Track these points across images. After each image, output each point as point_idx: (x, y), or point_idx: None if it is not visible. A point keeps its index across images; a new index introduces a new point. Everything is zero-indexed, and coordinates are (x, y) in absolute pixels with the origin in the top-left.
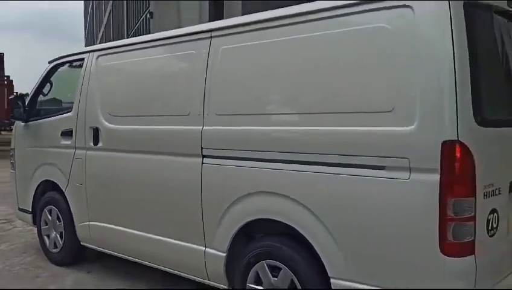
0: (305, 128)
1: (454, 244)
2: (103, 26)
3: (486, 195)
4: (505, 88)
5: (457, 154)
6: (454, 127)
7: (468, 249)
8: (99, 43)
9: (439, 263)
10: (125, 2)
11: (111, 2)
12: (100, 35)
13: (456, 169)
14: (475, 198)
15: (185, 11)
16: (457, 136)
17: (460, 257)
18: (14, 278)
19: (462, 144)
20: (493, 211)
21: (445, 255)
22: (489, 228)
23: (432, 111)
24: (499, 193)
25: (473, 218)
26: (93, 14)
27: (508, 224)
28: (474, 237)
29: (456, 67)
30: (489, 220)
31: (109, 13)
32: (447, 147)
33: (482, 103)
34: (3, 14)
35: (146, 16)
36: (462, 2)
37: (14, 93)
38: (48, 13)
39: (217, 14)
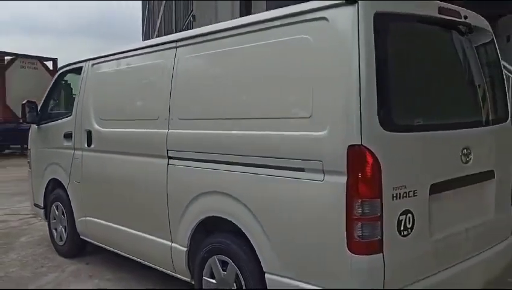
0: (239, 133)
1: (361, 243)
2: (156, 29)
3: (397, 196)
4: (420, 94)
5: (361, 158)
6: (359, 132)
7: (374, 247)
8: None
9: (347, 260)
10: (174, 5)
11: (163, 6)
12: (154, 38)
13: (361, 172)
14: (381, 199)
15: (221, 12)
16: (361, 141)
17: (366, 255)
18: (22, 266)
19: (366, 148)
20: (406, 212)
21: (352, 253)
22: (402, 228)
23: (341, 117)
24: (414, 195)
25: (380, 218)
26: (148, 18)
27: (429, 225)
28: (382, 236)
29: (361, 75)
30: (401, 220)
31: (161, 16)
32: (352, 151)
33: (390, 109)
34: (70, 19)
35: (190, 18)
36: (373, 12)
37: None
38: (110, 17)
39: (246, 14)
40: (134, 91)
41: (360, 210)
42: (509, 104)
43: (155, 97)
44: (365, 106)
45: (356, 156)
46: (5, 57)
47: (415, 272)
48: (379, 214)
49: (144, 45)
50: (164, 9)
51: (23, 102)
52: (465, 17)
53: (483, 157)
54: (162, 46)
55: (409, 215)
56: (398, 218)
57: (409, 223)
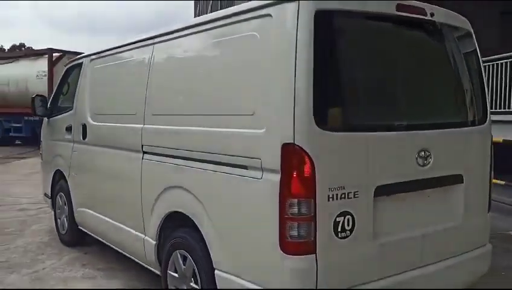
0: (194, 129)
1: (292, 243)
2: None
3: (333, 197)
4: (365, 94)
5: (294, 157)
6: (292, 131)
7: (307, 248)
8: None
9: (279, 260)
10: (219, 5)
11: (210, 5)
12: None
13: (293, 170)
14: (315, 199)
15: None
16: (294, 140)
17: (298, 256)
18: (24, 253)
19: (299, 147)
20: (344, 213)
21: (284, 253)
22: (339, 230)
23: (277, 115)
24: (355, 197)
25: (313, 218)
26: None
27: (374, 228)
28: (315, 237)
29: (296, 73)
30: (339, 222)
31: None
32: (286, 149)
33: (328, 109)
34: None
35: None
36: (315, 9)
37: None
38: (167, 17)
39: None
40: (120, 86)
41: (292, 210)
42: (481, 107)
43: (135, 93)
44: (300, 105)
45: (289, 154)
46: (54, 54)
47: (354, 276)
48: (312, 215)
49: (131, 41)
50: (211, 9)
51: (33, 96)
52: (432, 15)
53: (447, 161)
54: (144, 42)
55: (348, 217)
56: (335, 219)
57: (348, 225)
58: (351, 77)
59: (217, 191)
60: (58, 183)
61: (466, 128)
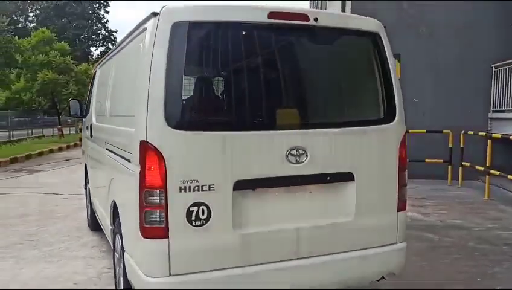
0: (109, 127)
1: (148, 228)
2: None
3: (185, 189)
4: (222, 97)
5: (146, 152)
6: (145, 130)
7: (159, 233)
8: None
9: (141, 242)
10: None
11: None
12: None
13: (146, 164)
14: (165, 190)
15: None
16: (146, 137)
17: (152, 240)
18: (54, 234)
19: (150, 144)
20: (198, 204)
21: (142, 236)
22: (193, 218)
23: (139, 117)
24: (210, 189)
25: (164, 207)
26: None
27: (233, 219)
28: (167, 224)
29: (150, 79)
30: (192, 211)
31: None
32: (142, 146)
33: (179, 110)
34: None
35: None
36: (172, 22)
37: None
38: None
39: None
40: (101, 91)
41: (146, 198)
42: (383, 106)
43: (106, 95)
44: (152, 106)
45: (144, 150)
46: None
47: (212, 261)
48: (164, 204)
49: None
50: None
51: (69, 99)
52: (316, 19)
53: (331, 159)
54: (117, 49)
55: (203, 207)
56: (188, 209)
57: (203, 215)
58: (206, 81)
59: (121, 183)
60: (86, 175)
61: (358, 127)
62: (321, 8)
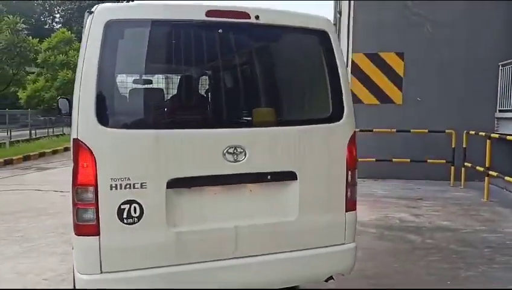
0: None
1: (80, 225)
2: None
3: (116, 187)
4: (152, 94)
5: (77, 150)
6: (76, 128)
7: (90, 230)
8: None
9: (74, 239)
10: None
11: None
12: None
13: (77, 162)
14: (96, 188)
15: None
16: (77, 135)
17: (83, 236)
18: (42, 231)
19: (81, 142)
20: (130, 202)
21: (75, 233)
22: (125, 216)
23: (73, 114)
24: (142, 187)
25: (95, 204)
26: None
27: (167, 217)
28: (98, 221)
29: (82, 78)
30: (124, 209)
31: None
32: (74, 143)
33: (111, 108)
34: None
35: (337, 14)
36: (106, 20)
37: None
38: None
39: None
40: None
41: (78, 196)
42: (330, 105)
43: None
44: (83, 104)
45: (75, 147)
46: None
47: (145, 259)
48: (94, 201)
49: None
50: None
51: (58, 98)
52: (257, 17)
53: (271, 158)
54: None
55: (135, 205)
56: (120, 206)
57: (135, 213)
58: (139, 80)
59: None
60: None
61: (302, 126)
62: (337, 8)
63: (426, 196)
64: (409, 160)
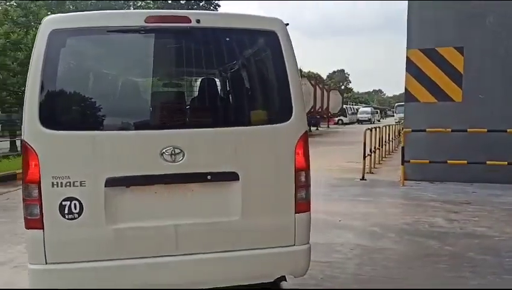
0: None
1: (28, 220)
2: None
3: (57, 184)
4: (91, 98)
5: (24, 150)
6: (23, 129)
7: (35, 224)
8: None
9: (26, 232)
10: None
11: None
12: None
13: (24, 161)
14: (39, 185)
15: None
16: (23, 136)
17: (32, 230)
18: None
19: (26, 142)
20: (71, 199)
21: (25, 227)
22: (66, 212)
23: (23, 116)
24: (82, 185)
25: (38, 200)
26: None
27: (106, 214)
28: (42, 216)
29: (29, 82)
30: (65, 205)
31: None
32: (22, 144)
33: (53, 111)
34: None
35: None
36: (50, 29)
37: None
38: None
39: None
40: None
41: (25, 192)
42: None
43: None
44: (29, 107)
45: (23, 148)
46: None
47: (84, 253)
48: (37, 198)
49: None
50: None
51: None
52: (198, 21)
53: (211, 158)
54: None
55: (75, 202)
56: (61, 203)
57: (76, 209)
58: (80, 84)
59: None
60: None
61: (244, 127)
62: None
63: (477, 200)
64: (465, 161)
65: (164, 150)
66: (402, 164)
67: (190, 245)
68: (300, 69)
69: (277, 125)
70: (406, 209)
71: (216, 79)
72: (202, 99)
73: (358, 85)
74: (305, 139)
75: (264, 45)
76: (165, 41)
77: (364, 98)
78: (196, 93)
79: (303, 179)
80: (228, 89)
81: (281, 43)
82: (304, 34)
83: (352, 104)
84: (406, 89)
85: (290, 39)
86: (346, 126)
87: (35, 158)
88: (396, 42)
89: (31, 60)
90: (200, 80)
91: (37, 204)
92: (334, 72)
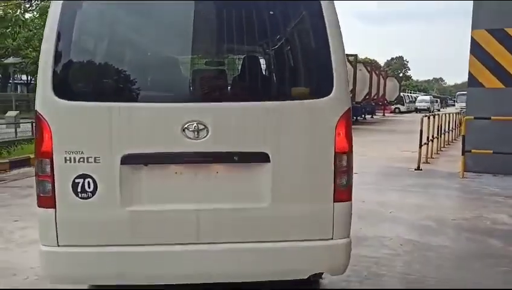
0: None
1: (40, 197)
2: None
3: (70, 160)
4: (109, 67)
5: (37, 122)
6: (36, 99)
7: (47, 203)
8: None
9: (38, 211)
10: None
11: None
12: None
13: (37, 134)
14: (52, 160)
15: None
16: (36, 107)
17: (44, 208)
18: None
19: (39, 113)
20: (84, 176)
21: (37, 205)
22: (79, 190)
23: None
24: (96, 162)
25: (51, 177)
26: None
27: (121, 193)
28: (54, 194)
29: (42, 52)
30: (78, 183)
31: None
32: (36, 115)
33: (68, 81)
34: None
35: None
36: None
37: None
38: None
39: None
40: None
41: (37, 168)
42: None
43: None
44: (42, 77)
45: (36, 120)
46: None
47: (99, 235)
48: (50, 174)
49: None
50: None
51: None
52: None
53: (237, 137)
54: None
55: (89, 179)
56: (74, 180)
57: (89, 187)
58: (96, 53)
59: None
60: None
61: (276, 102)
62: None
63: None
64: None
65: (186, 125)
66: (462, 154)
67: (212, 233)
68: (355, 55)
69: (315, 100)
70: (464, 203)
71: (248, 49)
72: (231, 71)
73: (418, 73)
74: (347, 117)
75: (305, 13)
76: (191, 6)
77: (424, 87)
78: (225, 64)
79: (344, 163)
80: (261, 60)
81: (324, 11)
82: (360, 20)
83: (411, 93)
84: (469, 73)
85: (334, 8)
86: (404, 115)
87: (48, 130)
88: (459, 27)
89: (46, 23)
90: (230, 49)
91: (49, 180)
92: (392, 58)
